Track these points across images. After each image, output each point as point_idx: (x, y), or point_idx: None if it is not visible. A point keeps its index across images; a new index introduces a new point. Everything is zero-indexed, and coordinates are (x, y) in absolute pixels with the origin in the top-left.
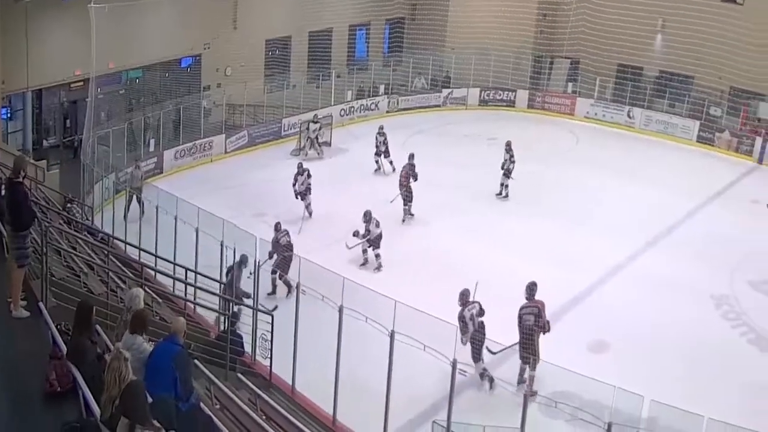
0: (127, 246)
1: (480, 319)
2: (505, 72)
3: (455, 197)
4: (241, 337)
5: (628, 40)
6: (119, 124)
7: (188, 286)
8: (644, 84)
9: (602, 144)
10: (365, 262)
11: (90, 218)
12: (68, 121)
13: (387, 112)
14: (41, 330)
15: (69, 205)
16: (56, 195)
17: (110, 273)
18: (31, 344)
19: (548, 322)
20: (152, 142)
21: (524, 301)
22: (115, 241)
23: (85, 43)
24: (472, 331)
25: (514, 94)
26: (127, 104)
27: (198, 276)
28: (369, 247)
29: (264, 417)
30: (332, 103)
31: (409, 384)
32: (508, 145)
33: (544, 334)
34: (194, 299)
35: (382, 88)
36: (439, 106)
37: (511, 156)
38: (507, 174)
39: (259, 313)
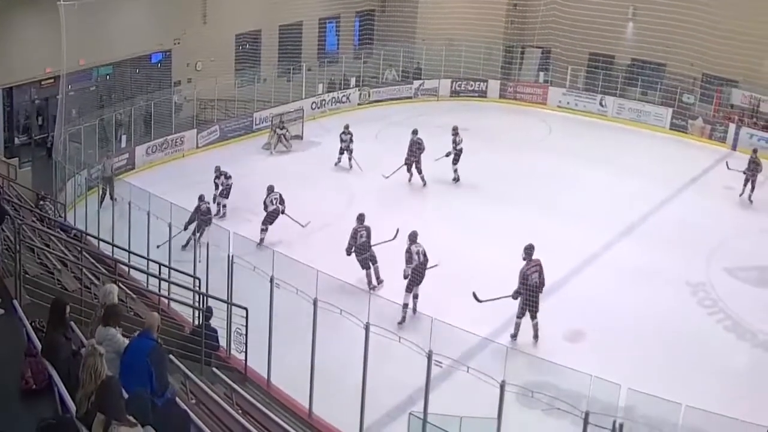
0: (101, 242)
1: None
2: (476, 62)
3: (428, 187)
4: (215, 332)
5: (600, 28)
6: (90, 121)
7: (162, 282)
8: (616, 72)
9: (575, 133)
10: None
11: (63, 215)
12: (40, 119)
13: (358, 104)
14: (16, 327)
15: (41, 202)
16: (29, 192)
17: (84, 269)
18: (5, 342)
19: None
20: (124, 138)
21: (523, 263)
22: (89, 237)
23: (55, 41)
24: (417, 263)
25: (485, 84)
26: (98, 101)
27: (171, 271)
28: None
29: (240, 411)
30: (303, 97)
31: (385, 376)
32: (455, 130)
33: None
34: (168, 294)
35: (353, 81)
36: (410, 97)
37: (455, 142)
38: (454, 160)
39: (233, 307)
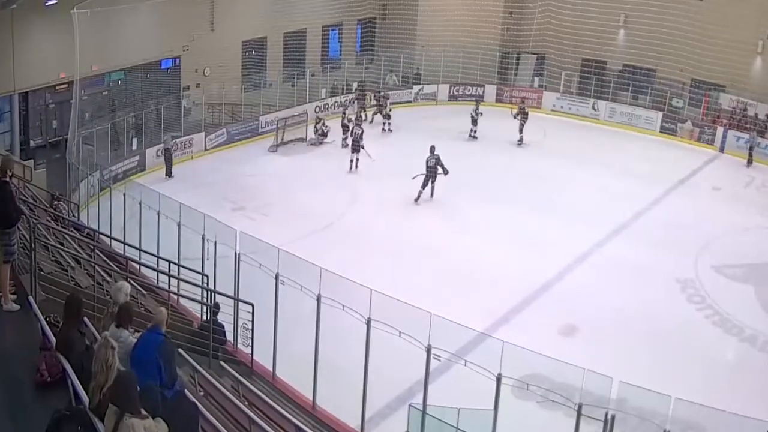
0: (113, 241)
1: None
2: (473, 68)
3: (427, 188)
4: (223, 327)
5: (592, 35)
6: (103, 124)
7: (171, 278)
8: (608, 77)
9: (569, 136)
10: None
11: (76, 215)
12: (54, 122)
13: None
14: (31, 322)
15: (56, 202)
16: (43, 193)
17: (96, 267)
18: (21, 336)
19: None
20: (135, 140)
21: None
22: (101, 236)
23: (69, 47)
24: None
25: (482, 89)
26: (110, 105)
27: (181, 268)
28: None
29: (246, 402)
30: (307, 101)
31: (385, 369)
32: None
33: (445, 174)
34: (177, 291)
35: (355, 86)
36: (410, 101)
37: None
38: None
39: (240, 303)
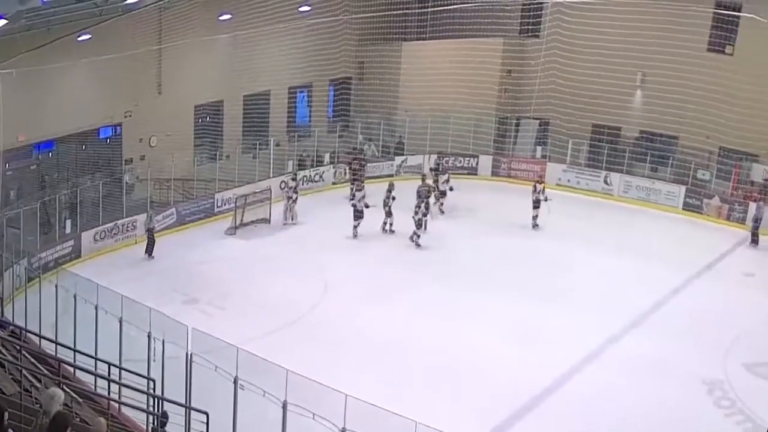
0: (42, 340)
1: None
2: (465, 136)
3: (411, 274)
4: None
5: (604, 97)
6: (31, 204)
7: (112, 384)
8: (623, 146)
9: (577, 214)
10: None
11: None
12: None
13: (333, 183)
14: None
15: None
16: None
17: (23, 371)
18: None
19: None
20: (68, 222)
21: (419, 183)
22: (29, 334)
23: None
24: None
25: (476, 160)
26: (39, 181)
27: (123, 371)
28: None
29: None
30: (271, 175)
31: None
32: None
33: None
34: (119, 398)
35: (327, 157)
36: (392, 175)
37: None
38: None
39: (192, 412)
